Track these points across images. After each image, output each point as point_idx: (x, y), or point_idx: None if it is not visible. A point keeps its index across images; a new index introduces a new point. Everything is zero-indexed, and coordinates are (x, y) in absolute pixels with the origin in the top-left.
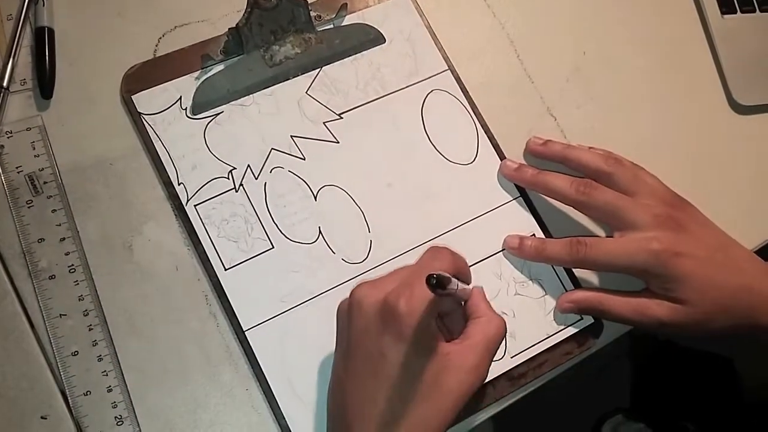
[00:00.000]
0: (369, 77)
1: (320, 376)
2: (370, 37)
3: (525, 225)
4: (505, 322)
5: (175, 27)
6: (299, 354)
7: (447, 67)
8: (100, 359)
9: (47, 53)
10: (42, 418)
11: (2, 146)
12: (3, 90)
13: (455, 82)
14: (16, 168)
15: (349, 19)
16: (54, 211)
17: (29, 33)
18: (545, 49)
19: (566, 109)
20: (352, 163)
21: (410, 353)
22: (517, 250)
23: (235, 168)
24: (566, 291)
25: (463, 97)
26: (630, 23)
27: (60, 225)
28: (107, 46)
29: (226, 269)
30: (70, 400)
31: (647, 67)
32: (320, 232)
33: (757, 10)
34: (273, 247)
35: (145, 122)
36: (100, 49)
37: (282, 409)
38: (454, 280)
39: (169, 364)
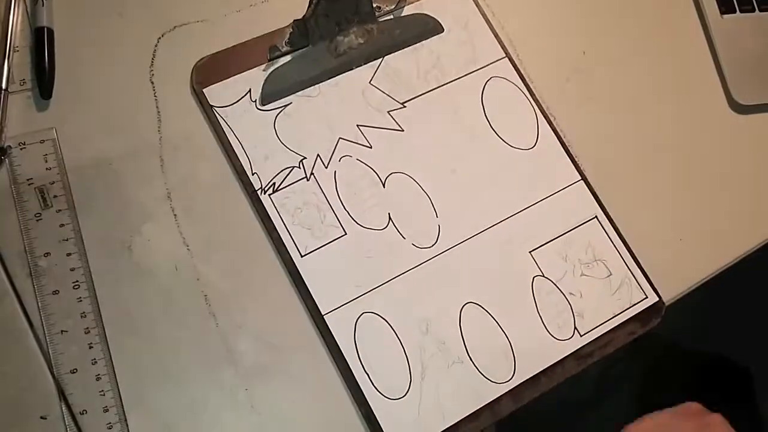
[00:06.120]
0: (429, 66)
1: (396, 357)
2: (428, 27)
3: (587, 208)
4: None
5: (175, 27)
6: (376, 337)
7: (504, 55)
8: (94, 362)
9: (47, 53)
10: (42, 417)
11: (9, 147)
12: (2, 91)
13: (513, 69)
14: (27, 180)
15: (407, 10)
16: (59, 211)
17: (29, 33)
18: (545, 49)
19: (566, 109)
20: (417, 151)
21: None
22: None
23: (305, 157)
24: (630, 271)
25: (522, 83)
26: (629, 23)
27: (63, 225)
28: (107, 46)
29: (302, 256)
30: (68, 399)
31: (647, 67)
32: (390, 218)
33: (757, 9)
34: (346, 234)
35: (217, 115)
36: (99, 49)
37: (363, 391)
38: None
39: (168, 364)
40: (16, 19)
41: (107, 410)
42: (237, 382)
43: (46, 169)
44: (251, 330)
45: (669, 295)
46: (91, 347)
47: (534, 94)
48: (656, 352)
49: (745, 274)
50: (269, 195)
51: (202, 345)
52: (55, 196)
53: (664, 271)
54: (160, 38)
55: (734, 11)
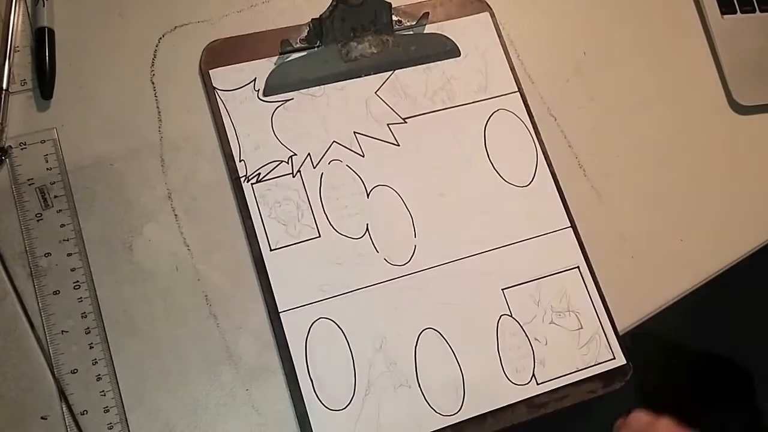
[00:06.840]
0: (438, 87)
1: (344, 368)
2: (446, 49)
3: (570, 256)
4: None
5: (175, 27)
6: (328, 344)
7: (516, 89)
8: (95, 362)
9: (47, 53)
10: (42, 418)
11: (10, 147)
12: (3, 92)
13: (523, 104)
14: (28, 181)
15: (428, 29)
16: (60, 211)
17: (29, 33)
18: (545, 49)
19: (566, 109)
20: (409, 168)
21: None
22: None
23: (295, 154)
24: (602, 328)
25: (529, 120)
26: (630, 23)
27: (64, 226)
28: (107, 47)
29: (271, 249)
30: (69, 400)
31: (647, 67)
32: (367, 229)
33: (757, 10)
34: (319, 236)
35: (218, 97)
36: (100, 50)
37: (303, 395)
38: None
39: (168, 364)
40: (16, 20)
41: (108, 410)
42: (237, 382)
43: (47, 169)
44: (251, 330)
45: (668, 296)
46: (91, 347)
47: (539, 134)
48: (656, 352)
49: (745, 274)
50: (252, 184)
51: (203, 345)
52: (55, 197)
53: (664, 272)
54: (160, 38)
55: (735, 12)
